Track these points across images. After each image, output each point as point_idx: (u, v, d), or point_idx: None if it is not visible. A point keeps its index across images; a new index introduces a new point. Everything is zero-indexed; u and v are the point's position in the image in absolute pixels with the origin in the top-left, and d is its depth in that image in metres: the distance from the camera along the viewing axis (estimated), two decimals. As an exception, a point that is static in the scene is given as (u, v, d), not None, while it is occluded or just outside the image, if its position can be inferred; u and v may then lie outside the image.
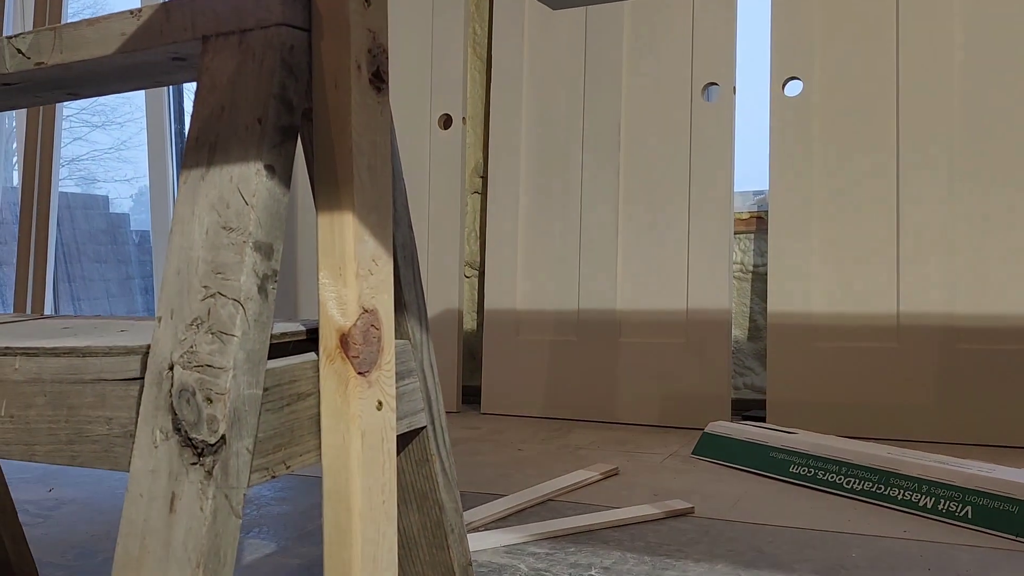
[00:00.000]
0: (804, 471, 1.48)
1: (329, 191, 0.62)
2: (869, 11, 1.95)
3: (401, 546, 0.77)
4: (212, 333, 0.56)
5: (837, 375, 1.91)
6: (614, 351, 2.13)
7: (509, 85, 2.31)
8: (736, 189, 2.17)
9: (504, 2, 2.34)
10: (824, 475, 1.44)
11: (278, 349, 0.67)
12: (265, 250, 0.57)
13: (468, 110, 2.46)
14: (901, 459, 1.37)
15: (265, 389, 0.58)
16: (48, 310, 3.10)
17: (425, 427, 0.74)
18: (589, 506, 1.37)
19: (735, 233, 2.17)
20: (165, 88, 3.03)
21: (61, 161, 3.14)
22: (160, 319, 0.58)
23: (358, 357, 0.62)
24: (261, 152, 0.58)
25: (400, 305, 0.72)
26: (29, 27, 3.17)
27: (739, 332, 2.19)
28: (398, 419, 0.70)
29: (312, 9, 0.62)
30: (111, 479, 1.63)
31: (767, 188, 2.05)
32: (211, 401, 0.55)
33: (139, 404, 0.57)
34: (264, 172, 0.57)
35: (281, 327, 0.66)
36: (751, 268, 2.17)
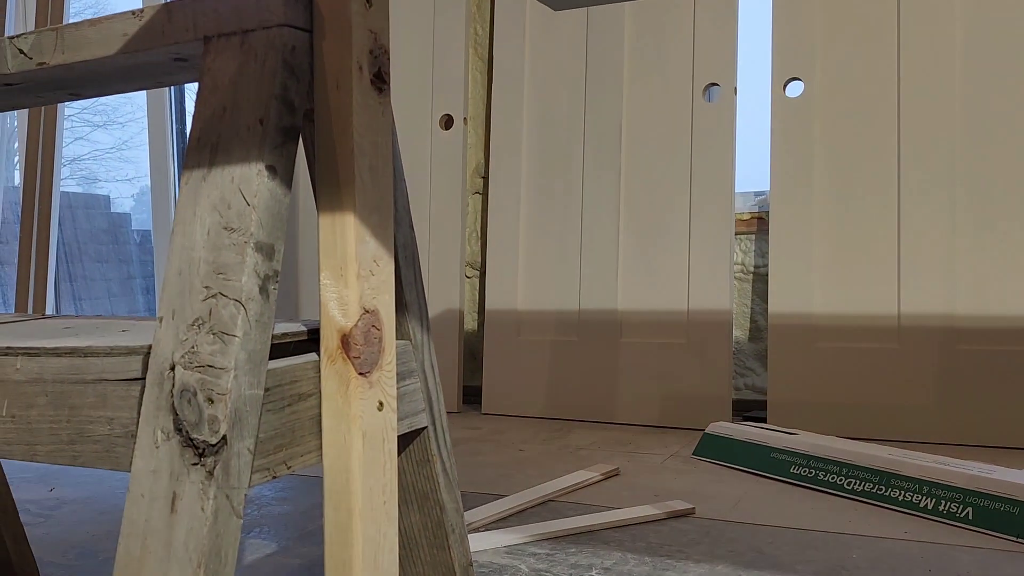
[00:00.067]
0: (805, 472, 1.48)
1: (330, 192, 0.62)
2: (870, 12, 1.95)
3: (402, 546, 0.78)
4: (213, 333, 0.56)
5: (838, 376, 1.91)
6: (615, 351, 2.13)
7: (510, 85, 2.32)
8: (737, 190, 2.17)
9: (505, 3, 2.34)
10: (825, 476, 1.44)
11: (279, 349, 0.67)
12: (266, 251, 0.57)
13: (469, 110, 2.46)
14: (902, 460, 1.37)
15: (266, 389, 0.59)
16: (50, 310, 3.10)
17: (426, 427, 0.74)
18: (590, 506, 1.37)
19: (736, 234, 2.17)
20: (166, 88, 3.04)
21: (63, 161, 3.14)
22: (161, 319, 0.58)
23: (359, 358, 0.62)
24: (263, 153, 0.58)
25: (401, 306, 0.72)
26: (31, 27, 3.17)
27: (740, 333, 2.19)
28: (399, 419, 0.70)
29: (314, 10, 0.62)
30: (112, 479, 1.63)
31: (768, 189, 2.05)
32: (212, 401, 0.55)
33: (140, 404, 0.57)
34: (266, 173, 0.57)
35: (282, 327, 0.66)
36: (752, 269, 2.17)
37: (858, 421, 1.89)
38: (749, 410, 2.16)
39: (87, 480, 1.62)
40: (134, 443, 0.57)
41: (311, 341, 0.68)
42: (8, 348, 0.64)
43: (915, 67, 1.90)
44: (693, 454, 1.72)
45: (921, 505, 1.29)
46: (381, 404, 0.64)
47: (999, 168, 1.83)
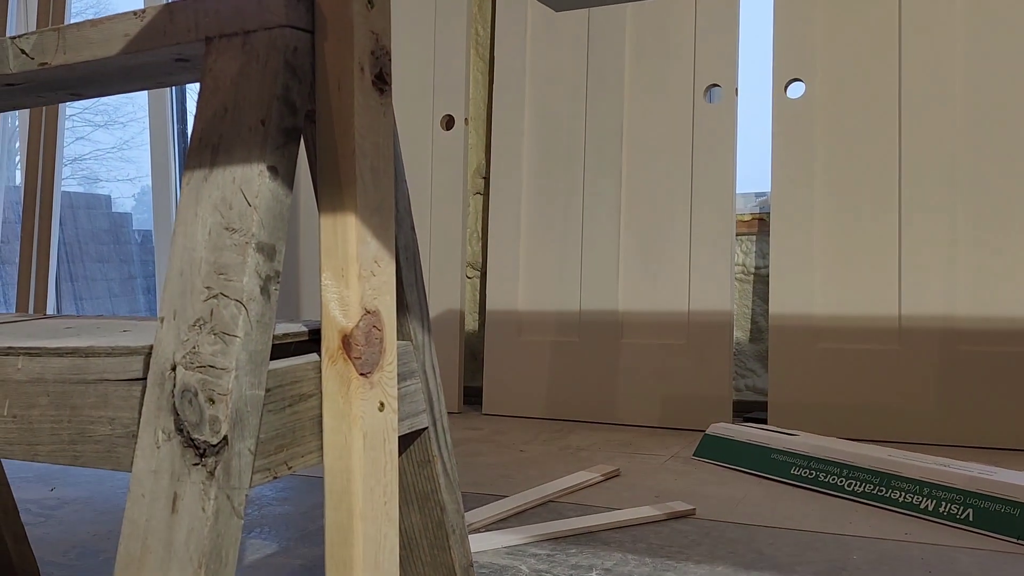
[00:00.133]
0: (805, 473, 1.48)
1: (332, 193, 0.62)
2: (871, 13, 1.95)
3: (402, 547, 0.78)
4: (215, 334, 0.56)
5: (839, 377, 1.91)
6: (616, 352, 2.13)
7: (511, 86, 2.32)
8: (738, 191, 2.17)
9: (507, 3, 2.34)
10: (825, 477, 1.44)
11: (280, 350, 0.67)
12: (268, 251, 0.57)
13: (470, 111, 2.46)
14: (902, 461, 1.37)
15: (267, 390, 0.59)
16: (51, 309, 3.11)
17: (427, 428, 0.74)
18: (590, 507, 1.37)
19: (737, 235, 2.17)
20: (168, 88, 3.04)
21: (64, 160, 3.14)
22: (163, 319, 0.58)
23: (360, 358, 0.62)
24: (264, 153, 0.58)
25: (402, 306, 0.72)
26: (32, 27, 3.18)
27: (741, 334, 2.19)
28: (400, 420, 0.70)
29: (315, 11, 0.62)
30: (112, 478, 1.63)
31: (769, 190, 2.05)
32: (213, 402, 0.55)
33: (141, 404, 0.57)
34: (267, 173, 0.57)
35: (283, 328, 0.66)
36: (753, 270, 2.17)
37: (859, 422, 1.89)
38: (750, 411, 2.16)
39: (88, 480, 1.62)
40: (135, 443, 0.57)
41: (312, 341, 0.68)
42: (9, 348, 0.64)
43: (916, 68, 1.90)
44: (694, 455, 1.72)
45: (921, 506, 1.29)
46: (382, 405, 0.64)
47: (1000, 170, 1.83)
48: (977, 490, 1.24)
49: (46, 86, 0.78)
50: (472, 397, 2.47)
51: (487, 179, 2.45)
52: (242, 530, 0.60)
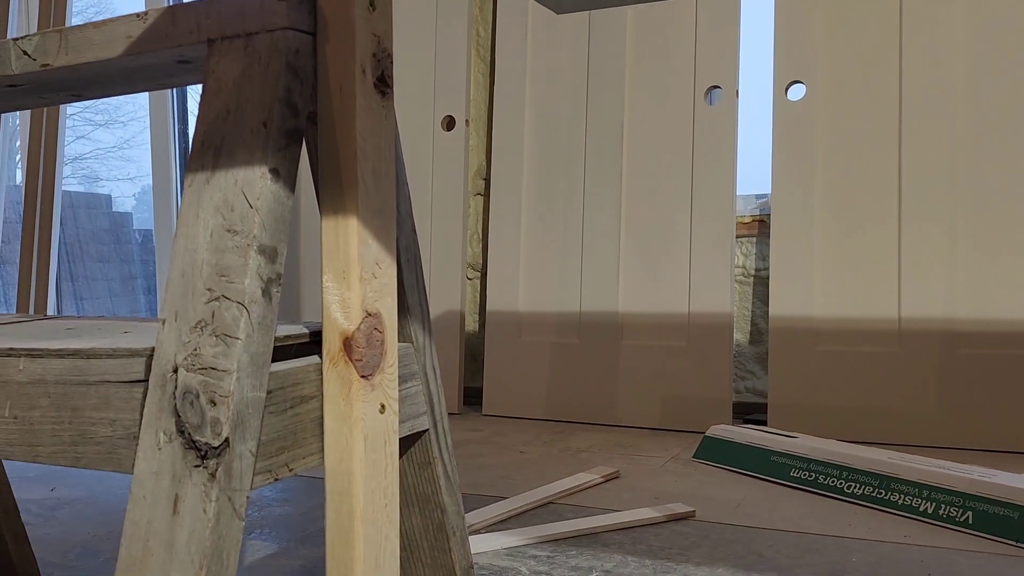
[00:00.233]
0: (805, 475, 1.48)
1: (333, 195, 0.62)
2: (872, 16, 1.95)
3: (403, 548, 0.78)
4: (216, 336, 0.56)
5: (838, 379, 1.91)
6: (616, 354, 2.13)
7: (512, 87, 2.32)
8: (738, 192, 2.17)
9: (508, 5, 2.34)
10: (825, 479, 1.44)
11: (281, 351, 0.67)
12: (269, 253, 0.58)
13: (471, 112, 2.46)
14: (902, 464, 1.37)
15: (268, 392, 0.59)
16: (51, 309, 3.11)
17: (427, 430, 0.74)
18: (590, 509, 1.37)
19: (737, 236, 2.17)
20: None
21: (64, 159, 3.14)
22: (164, 321, 0.58)
23: (361, 360, 0.62)
24: (266, 156, 0.58)
25: (403, 308, 0.73)
26: (33, 26, 3.18)
27: (740, 336, 2.19)
28: (400, 422, 0.70)
29: (317, 13, 0.62)
30: (113, 479, 1.63)
31: (769, 192, 2.05)
32: (215, 404, 0.55)
33: (143, 406, 0.57)
34: (269, 176, 0.57)
35: (284, 329, 0.66)
36: (753, 272, 2.17)
37: (859, 425, 1.89)
38: (750, 413, 2.17)
39: (88, 480, 1.62)
40: (136, 445, 0.57)
41: (313, 343, 0.68)
42: (11, 349, 0.64)
43: (917, 70, 1.90)
44: (693, 457, 1.72)
45: (921, 509, 1.29)
46: (383, 407, 0.64)
47: (1000, 172, 1.83)
48: (977, 493, 1.24)
49: (48, 87, 0.78)
50: (472, 398, 2.47)
51: (488, 180, 2.45)
52: (243, 532, 0.60)
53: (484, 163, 2.46)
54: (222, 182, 0.59)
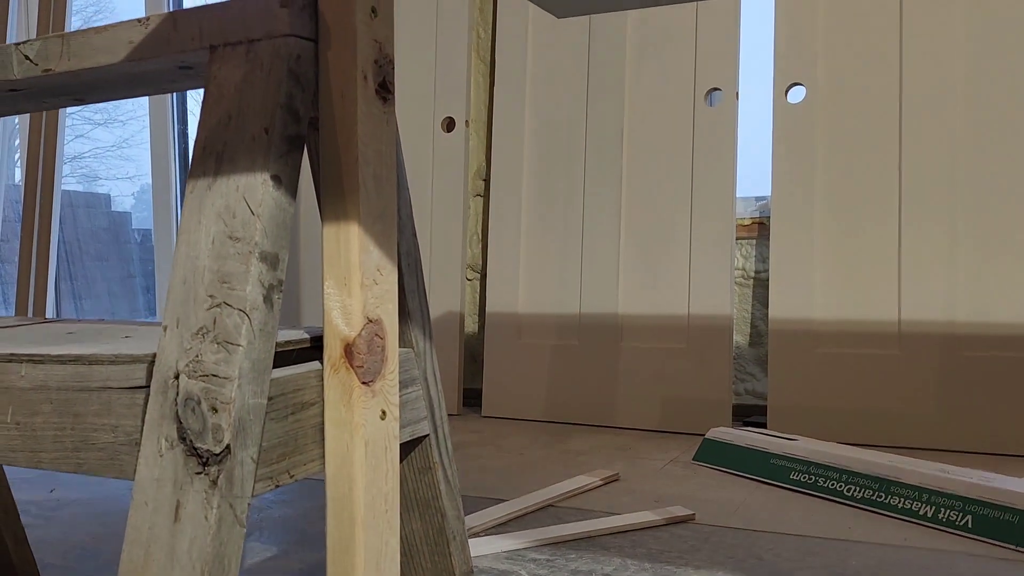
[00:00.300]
0: (805, 478, 1.48)
1: (335, 201, 0.62)
2: (873, 18, 1.95)
3: (403, 553, 0.78)
4: (218, 343, 0.56)
5: (838, 381, 1.91)
6: (615, 355, 2.13)
7: (512, 88, 2.32)
8: (738, 194, 2.17)
9: (508, 6, 2.34)
10: (825, 482, 1.44)
11: (282, 357, 0.67)
12: (271, 260, 0.58)
13: (471, 113, 2.46)
14: (902, 467, 1.37)
15: (270, 398, 0.59)
16: (50, 308, 3.11)
17: (428, 435, 0.74)
18: (590, 512, 1.37)
19: (737, 239, 2.17)
20: (169, 88, 3.03)
21: (63, 158, 3.14)
22: (166, 328, 0.58)
23: (362, 367, 0.62)
24: (268, 162, 0.58)
25: (404, 313, 0.73)
26: (33, 26, 3.18)
27: (740, 338, 2.19)
28: (401, 427, 0.70)
29: (319, 20, 0.62)
30: (112, 480, 1.63)
31: (769, 194, 2.05)
32: (216, 410, 0.55)
33: (145, 412, 0.57)
34: (270, 182, 0.58)
35: (285, 335, 0.66)
36: (753, 274, 2.17)
37: (859, 427, 1.89)
38: (749, 415, 2.17)
39: (88, 482, 1.62)
40: (138, 451, 0.57)
41: (314, 348, 0.68)
42: (12, 355, 0.64)
43: (917, 72, 1.90)
44: (693, 459, 1.72)
45: (921, 512, 1.29)
46: (384, 413, 0.64)
47: (1001, 174, 1.83)
48: (976, 497, 1.24)
49: (50, 92, 0.78)
50: (471, 399, 2.47)
51: (487, 181, 2.45)
52: (244, 538, 0.60)
53: (484, 164, 2.46)
54: (224, 188, 0.59)
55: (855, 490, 1.40)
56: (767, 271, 2.14)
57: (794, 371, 1.95)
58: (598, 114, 2.20)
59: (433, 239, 2.39)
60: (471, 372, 2.48)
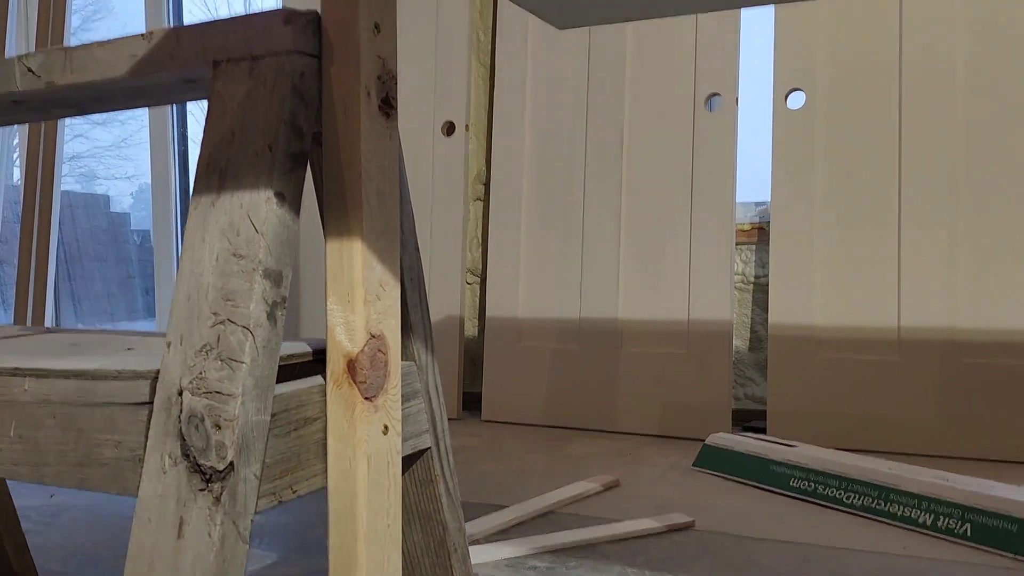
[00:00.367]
0: (804, 485, 1.48)
1: (338, 217, 0.62)
2: (872, 24, 1.95)
3: (405, 566, 0.78)
4: (221, 360, 0.56)
5: (838, 387, 1.92)
6: (615, 360, 2.14)
7: (512, 93, 2.32)
8: (738, 200, 2.18)
9: (508, 9, 2.34)
10: (824, 490, 1.45)
11: (285, 371, 0.68)
12: (274, 277, 0.58)
13: (471, 117, 2.46)
14: (901, 475, 1.37)
15: (273, 414, 0.59)
16: (49, 309, 3.10)
17: (429, 448, 0.75)
18: (590, 518, 1.37)
19: (736, 244, 2.17)
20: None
21: (63, 158, 3.14)
22: (169, 344, 0.58)
23: (365, 382, 0.62)
24: (271, 179, 0.58)
25: (406, 327, 0.73)
26: (32, 26, 3.17)
27: (740, 342, 2.19)
28: (403, 441, 0.71)
29: (322, 36, 0.62)
30: (112, 485, 1.63)
31: (769, 199, 2.05)
32: (220, 427, 0.55)
33: (148, 429, 0.58)
34: (274, 200, 0.58)
35: (288, 348, 0.66)
36: (752, 279, 2.17)
37: (858, 433, 1.89)
38: (749, 420, 2.17)
39: (87, 486, 1.62)
40: (142, 467, 0.57)
41: (316, 361, 0.68)
42: (16, 368, 0.64)
43: (917, 79, 1.90)
44: (693, 465, 1.73)
45: (920, 520, 1.30)
46: (386, 428, 0.64)
47: (1000, 181, 1.83)
48: (976, 505, 1.25)
49: (51, 103, 0.78)
50: (471, 403, 2.47)
51: (487, 185, 2.45)
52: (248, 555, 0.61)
53: (484, 168, 2.46)
54: (228, 205, 0.59)
55: (855, 497, 1.40)
56: (767, 276, 2.14)
57: (794, 377, 1.95)
58: (598, 118, 2.20)
59: (433, 243, 2.39)
60: (471, 376, 2.48)
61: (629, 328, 2.13)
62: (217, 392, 0.55)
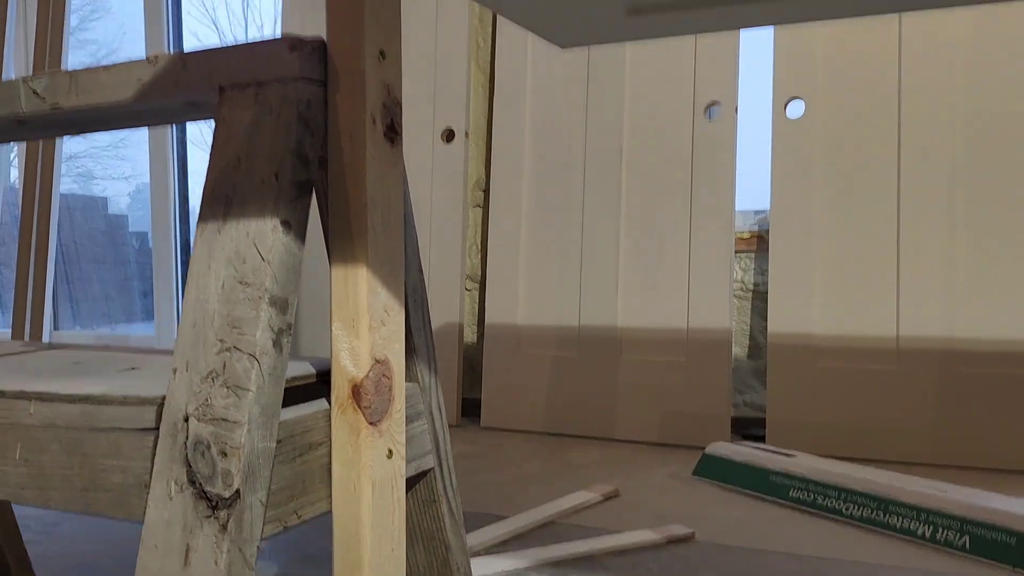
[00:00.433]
0: (804, 495, 1.49)
1: (343, 244, 0.63)
2: (872, 33, 1.95)
3: (407, 585, 0.78)
4: (227, 387, 0.56)
5: (837, 396, 1.92)
6: (615, 368, 2.14)
7: (512, 100, 2.32)
8: (737, 208, 2.18)
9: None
10: (823, 500, 1.45)
11: (290, 393, 0.68)
12: (280, 305, 0.58)
13: (471, 124, 2.47)
14: (900, 486, 1.38)
15: (278, 441, 0.59)
16: (47, 311, 3.10)
17: (432, 468, 0.75)
18: (591, 529, 1.38)
19: (736, 252, 2.18)
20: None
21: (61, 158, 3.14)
22: (175, 370, 0.59)
23: (370, 407, 0.62)
24: (278, 208, 0.58)
25: (410, 350, 0.73)
26: (32, 26, 3.17)
27: (739, 350, 2.20)
28: (407, 462, 0.71)
29: (328, 63, 0.62)
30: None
31: (768, 208, 2.05)
32: (226, 455, 0.55)
33: (154, 455, 0.58)
34: (280, 228, 0.58)
35: (292, 369, 0.66)
36: (751, 287, 2.17)
37: (857, 441, 1.90)
38: (747, 427, 2.17)
39: (87, 495, 1.62)
40: (147, 493, 0.58)
41: (321, 383, 0.68)
42: (21, 391, 0.64)
43: (916, 88, 1.91)
44: (692, 474, 1.73)
45: (919, 532, 1.30)
46: (390, 452, 0.64)
47: (1000, 191, 1.84)
48: (975, 517, 1.25)
49: (55, 124, 0.78)
50: (470, 409, 2.48)
51: (487, 192, 2.45)
52: None
53: (483, 175, 2.46)
54: (233, 233, 0.59)
55: (854, 508, 1.40)
56: (766, 284, 2.15)
57: (793, 385, 1.95)
58: (597, 125, 2.20)
59: (432, 249, 2.39)
60: (469, 382, 2.48)
61: (628, 336, 2.13)
62: (223, 419, 0.56)
